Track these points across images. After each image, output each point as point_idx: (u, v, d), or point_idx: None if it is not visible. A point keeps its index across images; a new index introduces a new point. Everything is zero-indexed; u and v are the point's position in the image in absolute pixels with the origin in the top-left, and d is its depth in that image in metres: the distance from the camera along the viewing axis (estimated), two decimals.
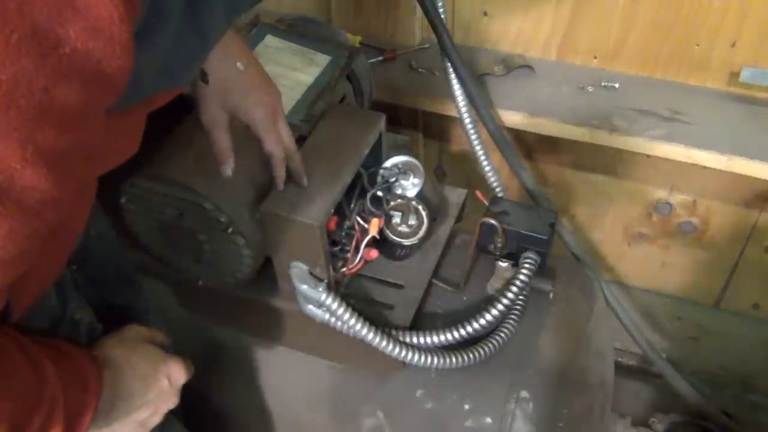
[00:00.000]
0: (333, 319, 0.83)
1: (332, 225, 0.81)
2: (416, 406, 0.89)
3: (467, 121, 1.15)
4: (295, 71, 0.91)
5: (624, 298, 1.55)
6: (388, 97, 1.26)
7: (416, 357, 0.83)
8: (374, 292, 0.91)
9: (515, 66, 1.25)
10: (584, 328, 0.96)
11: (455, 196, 1.02)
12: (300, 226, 0.76)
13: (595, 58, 1.25)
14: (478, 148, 1.16)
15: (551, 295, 0.92)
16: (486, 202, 0.91)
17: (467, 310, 0.92)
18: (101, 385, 0.63)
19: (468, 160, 1.41)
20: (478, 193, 0.92)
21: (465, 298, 0.93)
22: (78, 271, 0.77)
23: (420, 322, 0.90)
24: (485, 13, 1.27)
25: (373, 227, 0.84)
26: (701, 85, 1.20)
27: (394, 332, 0.85)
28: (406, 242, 0.87)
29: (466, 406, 0.87)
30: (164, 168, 0.78)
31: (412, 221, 0.87)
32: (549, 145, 1.34)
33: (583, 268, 1.18)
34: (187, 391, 0.78)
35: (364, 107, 1.03)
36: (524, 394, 0.86)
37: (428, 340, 0.84)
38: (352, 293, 0.90)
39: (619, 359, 1.63)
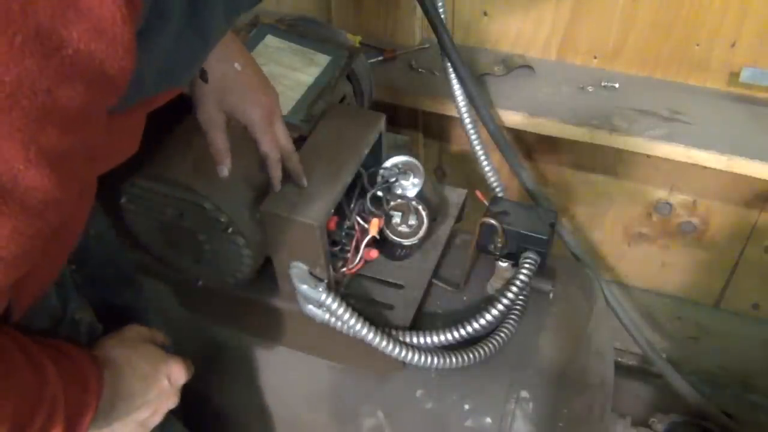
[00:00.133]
0: (333, 319, 0.83)
1: (332, 225, 0.81)
2: (416, 406, 0.90)
3: (467, 121, 1.15)
4: (295, 71, 0.91)
5: (624, 298, 1.55)
6: (388, 97, 1.26)
7: (416, 357, 0.83)
8: (374, 292, 0.91)
9: (515, 66, 1.25)
10: (584, 328, 0.96)
11: (455, 196, 1.02)
12: (300, 226, 0.76)
13: (595, 58, 1.25)
14: (478, 148, 1.16)
15: (551, 295, 0.92)
16: (486, 202, 0.91)
17: (467, 310, 0.92)
18: (101, 385, 0.63)
19: (468, 160, 1.41)
20: (478, 193, 0.92)
21: (465, 298, 0.93)
22: (77, 271, 0.77)
23: (420, 322, 0.90)
24: (485, 13, 1.27)
25: (373, 227, 0.84)
26: (701, 85, 1.20)
27: (394, 332, 0.85)
28: (406, 242, 0.87)
29: (466, 406, 0.87)
30: (164, 168, 0.78)
31: (412, 221, 0.87)
32: (549, 145, 1.34)
33: (583, 268, 1.18)
34: (187, 391, 0.78)
35: (364, 107, 1.03)
36: (524, 394, 0.86)
37: (428, 340, 0.84)
38: (352, 293, 0.90)
39: (619, 359, 1.63)
